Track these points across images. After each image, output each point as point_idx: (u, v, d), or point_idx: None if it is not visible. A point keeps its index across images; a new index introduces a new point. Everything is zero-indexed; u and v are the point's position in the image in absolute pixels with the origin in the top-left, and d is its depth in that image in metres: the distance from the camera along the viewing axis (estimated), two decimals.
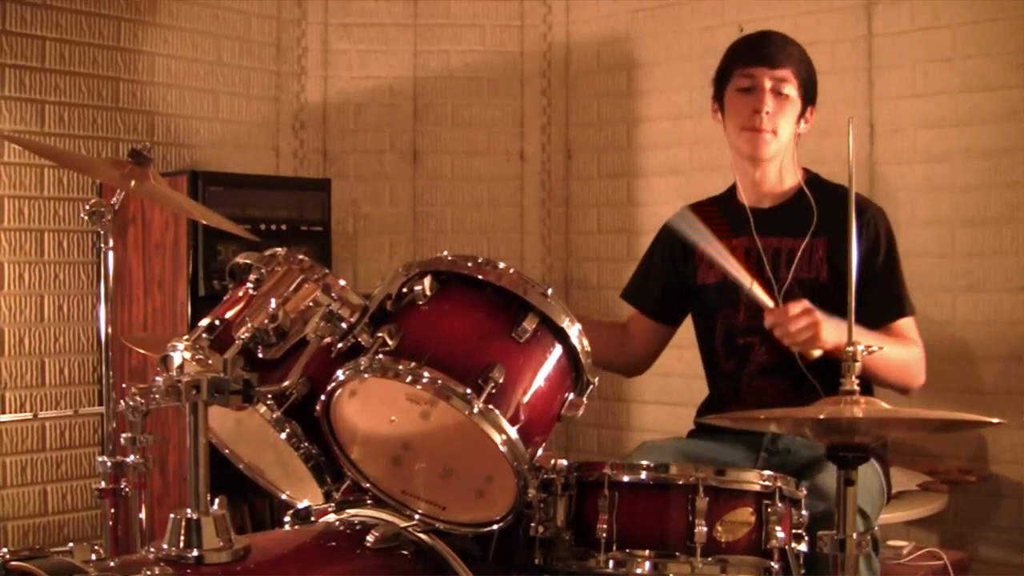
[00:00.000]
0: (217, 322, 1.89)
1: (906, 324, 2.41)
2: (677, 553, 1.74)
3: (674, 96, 4.19)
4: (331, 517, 1.92)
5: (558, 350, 1.79)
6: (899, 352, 2.33)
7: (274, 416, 1.80)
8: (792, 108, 2.42)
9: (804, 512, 1.84)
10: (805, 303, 2.20)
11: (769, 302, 2.26)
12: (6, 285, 3.64)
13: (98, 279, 2.43)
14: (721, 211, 2.56)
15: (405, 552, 1.81)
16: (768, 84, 2.40)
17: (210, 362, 1.79)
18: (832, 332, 2.15)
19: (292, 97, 4.48)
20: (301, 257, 1.93)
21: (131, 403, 1.80)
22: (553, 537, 1.79)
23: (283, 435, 1.82)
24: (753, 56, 2.43)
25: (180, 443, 3.50)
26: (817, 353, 2.20)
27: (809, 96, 2.46)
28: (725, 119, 2.50)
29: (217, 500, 1.65)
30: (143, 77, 4.00)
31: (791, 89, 2.41)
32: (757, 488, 1.79)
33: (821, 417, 1.67)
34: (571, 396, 1.82)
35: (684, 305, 2.61)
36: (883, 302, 2.38)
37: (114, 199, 2.36)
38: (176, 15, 4.11)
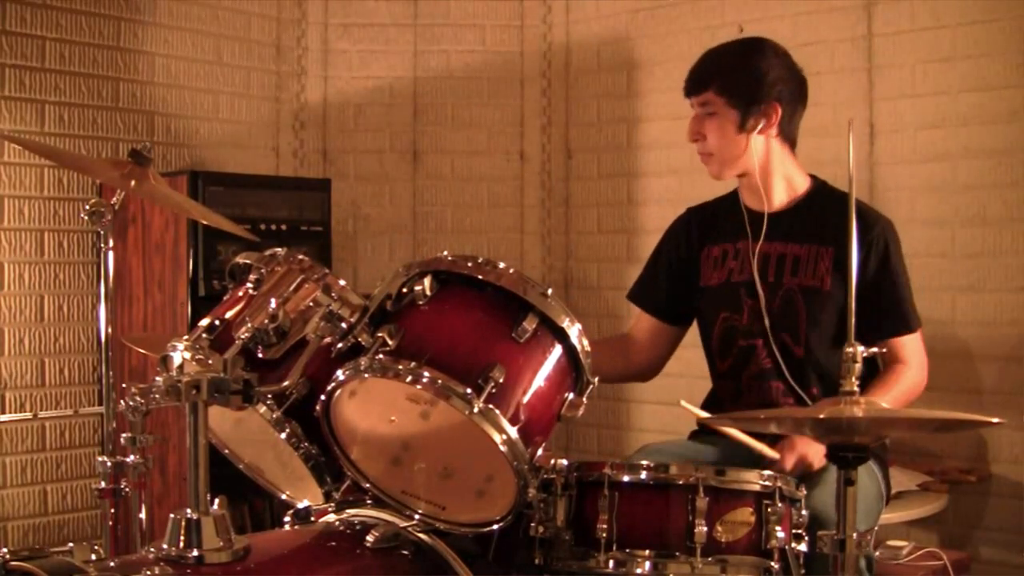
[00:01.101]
0: (217, 322, 1.89)
1: (908, 341, 2.40)
2: (677, 553, 1.74)
3: (674, 96, 4.11)
4: (331, 517, 1.92)
5: (558, 350, 1.79)
6: (894, 397, 2.31)
7: (274, 416, 1.81)
8: (721, 120, 2.43)
9: (804, 512, 1.84)
10: (799, 451, 2.19)
11: (771, 453, 2.22)
12: (6, 285, 3.64)
13: (98, 279, 2.43)
14: (724, 214, 2.56)
15: (405, 552, 1.81)
16: (697, 112, 2.48)
17: (210, 362, 1.80)
18: (821, 459, 2.17)
19: (292, 97, 4.48)
20: (301, 257, 1.93)
21: (131, 403, 1.80)
22: (553, 537, 1.79)
23: (283, 435, 1.82)
24: (684, 90, 2.52)
25: (180, 443, 3.50)
26: None
27: (748, 99, 2.42)
28: None
29: (217, 500, 1.65)
30: (143, 77, 4.00)
31: (716, 106, 2.44)
32: (757, 488, 1.79)
33: (821, 417, 1.67)
34: (571, 396, 1.82)
35: (690, 306, 2.61)
36: (887, 318, 2.37)
37: (114, 199, 2.35)
38: (176, 15, 4.11)
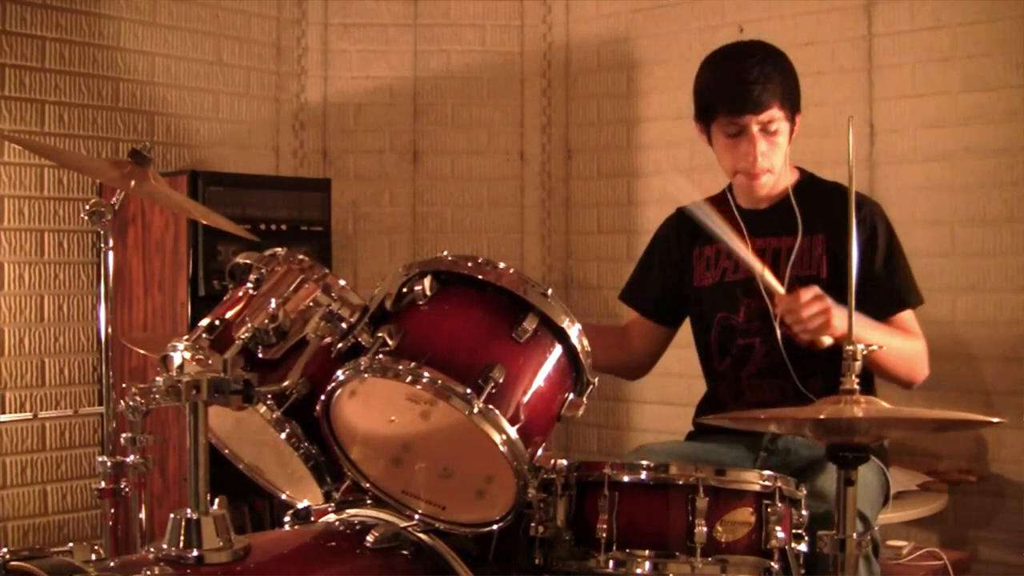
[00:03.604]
0: (217, 322, 1.89)
1: (907, 317, 2.40)
2: (677, 553, 1.74)
3: (674, 96, 4.18)
4: (331, 517, 1.92)
5: (558, 350, 1.79)
6: (902, 344, 2.31)
7: (274, 416, 1.81)
8: (783, 138, 2.38)
9: (804, 512, 1.84)
10: (815, 289, 2.18)
11: (780, 288, 2.25)
12: (6, 285, 3.64)
13: (98, 279, 2.43)
14: (717, 213, 2.55)
15: (405, 552, 1.81)
16: (756, 128, 2.34)
17: (210, 362, 1.79)
18: (842, 319, 2.10)
19: (292, 97, 4.48)
20: (301, 257, 1.93)
21: (131, 403, 1.80)
22: (553, 537, 1.79)
23: (283, 435, 1.82)
24: (737, 104, 2.34)
25: (180, 443, 3.50)
26: (828, 341, 2.17)
27: (795, 109, 2.40)
28: (715, 149, 2.46)
29: (217, 500, 1.65)
30: (143, 77, 4.00)
31: (778, 123, 2.35)
32: (757, 488, 1.79)
33: (821, 417, 1.67)
34: (571, 396, 1.82)
35: (682, 307, 2.61)
36: (884, 296, 2.36)
37: (114, 199, 2.35)
38: (176, 15, 4.11)
